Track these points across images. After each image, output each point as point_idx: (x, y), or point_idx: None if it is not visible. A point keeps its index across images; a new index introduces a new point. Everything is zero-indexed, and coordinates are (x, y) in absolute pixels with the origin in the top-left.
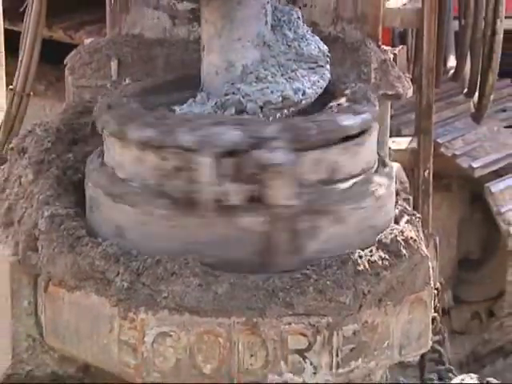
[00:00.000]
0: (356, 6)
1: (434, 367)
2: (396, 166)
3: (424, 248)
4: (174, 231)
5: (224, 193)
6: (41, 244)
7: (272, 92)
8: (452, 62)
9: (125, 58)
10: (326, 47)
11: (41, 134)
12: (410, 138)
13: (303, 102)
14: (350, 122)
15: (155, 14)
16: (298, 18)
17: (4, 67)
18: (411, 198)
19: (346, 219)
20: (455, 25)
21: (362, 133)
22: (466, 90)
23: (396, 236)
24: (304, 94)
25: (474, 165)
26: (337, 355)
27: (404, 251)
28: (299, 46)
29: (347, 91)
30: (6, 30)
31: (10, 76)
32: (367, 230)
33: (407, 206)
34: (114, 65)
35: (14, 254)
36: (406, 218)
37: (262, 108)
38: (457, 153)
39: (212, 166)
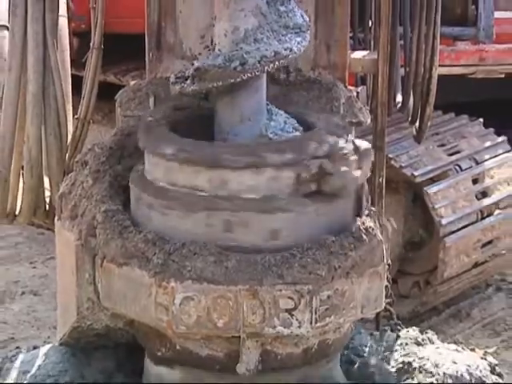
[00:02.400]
0: (329, 56)
1: (386, 322)
2: None
3: (379, 234)
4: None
5: None
6: (98, 232)
7: (266, 49)
8: (399, 98)
9: (159, 95)
10: (307, 18)
11: (98, 151)
12: None
13: (290, 56)
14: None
15: (182, 62)
16: None
17: (71, 102)
18: (370, 197)
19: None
20: (402, 71)
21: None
22: (409, 119)
23: (359, 226)
24: (291, 50)
25: (415, 173)
26: (315, 313)
27: (365, 237)
28: (288, 16)
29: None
30: (72, 75)
31: (75, 108)
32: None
33: (367, 204)
34: (151, 100)
35: (78, 239)
36: (366, 212)
37: (259, 62)
38: (403, 164)
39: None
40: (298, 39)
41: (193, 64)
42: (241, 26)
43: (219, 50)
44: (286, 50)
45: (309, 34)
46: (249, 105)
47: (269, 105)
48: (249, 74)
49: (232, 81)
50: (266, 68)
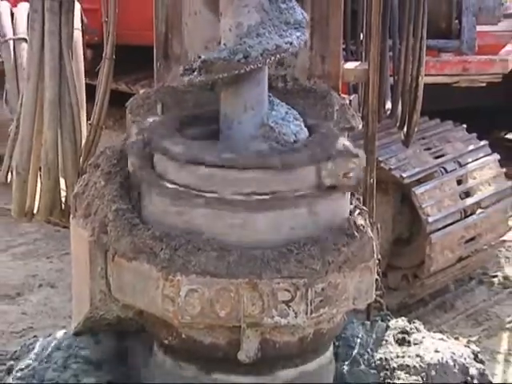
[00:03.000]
0: (324, 67)
1: (376, 313)
2: None
3: (370, 232)
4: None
5: None
6: (109, 229)
7: (268, 43)
8: (388, 105)
9: (166, 102)
10: (306, 15)
11: (109, 154)
12: None
13: (290, 49)
14: None
15: None
16: None
17: (85, 108)
18: (361, 197)
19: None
20: (391, 80)
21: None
22: (398, 125)
23: (351, 224)
24: (291, 44)
25: (404, 175)
26: (310, 305)
27: (356, 234)
28: (288, 12)
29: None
30: (86, 84)
31: (88, 115)
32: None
33: (359, 203)
34: (159, 107)
35: (91, 235)
36: (357, 211)
37: (261, 54)
38: (392, 167)
39: None
40: (298, 34)
41: (199, 57)
42: (244, 22)
43: (224, 44)
44: (286, 43)
45: (307, 29)
46: (252, 95)
47: (270, 96)
48: (252, 66)
49: (236, 72)
50: (267, 60)
